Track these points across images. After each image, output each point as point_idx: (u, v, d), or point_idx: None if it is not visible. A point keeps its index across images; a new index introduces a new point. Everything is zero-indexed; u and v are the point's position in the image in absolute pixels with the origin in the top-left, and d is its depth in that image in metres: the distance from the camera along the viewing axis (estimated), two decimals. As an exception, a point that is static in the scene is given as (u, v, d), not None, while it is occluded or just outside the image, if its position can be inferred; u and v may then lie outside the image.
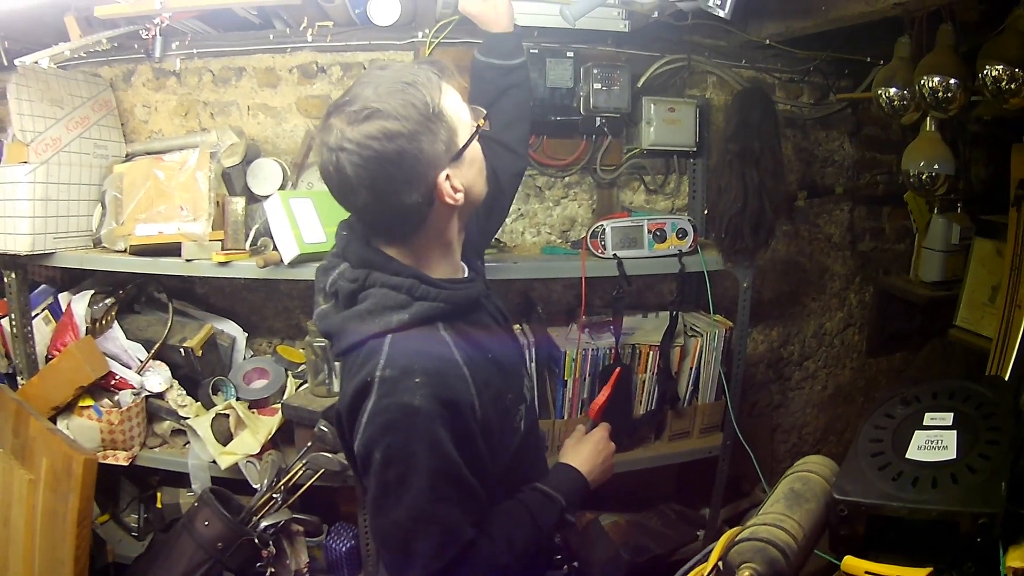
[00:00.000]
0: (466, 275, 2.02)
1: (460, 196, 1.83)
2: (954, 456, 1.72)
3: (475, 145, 1.87)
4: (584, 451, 2.27)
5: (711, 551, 1.76)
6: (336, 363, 3.04)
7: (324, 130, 1.75)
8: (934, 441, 1.79)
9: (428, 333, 1.82)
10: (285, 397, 3.28)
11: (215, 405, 3.24)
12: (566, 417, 3.32)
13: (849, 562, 1.64)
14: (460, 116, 1.83)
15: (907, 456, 1.76)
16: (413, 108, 1.72)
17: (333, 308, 1.92)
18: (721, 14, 2.69)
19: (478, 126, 1.87)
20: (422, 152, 1.74)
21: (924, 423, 1.86)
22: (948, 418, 1.85)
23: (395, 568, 1.83)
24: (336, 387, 3.06)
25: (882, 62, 3.12)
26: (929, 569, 1.55)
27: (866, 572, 1.61)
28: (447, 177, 1.78)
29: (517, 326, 3.43)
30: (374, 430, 1.71)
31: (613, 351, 3.29)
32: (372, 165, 1.69)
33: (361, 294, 1.84)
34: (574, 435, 2.39)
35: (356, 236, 1.92)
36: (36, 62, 2.89)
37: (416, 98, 1.73)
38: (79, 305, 3.23)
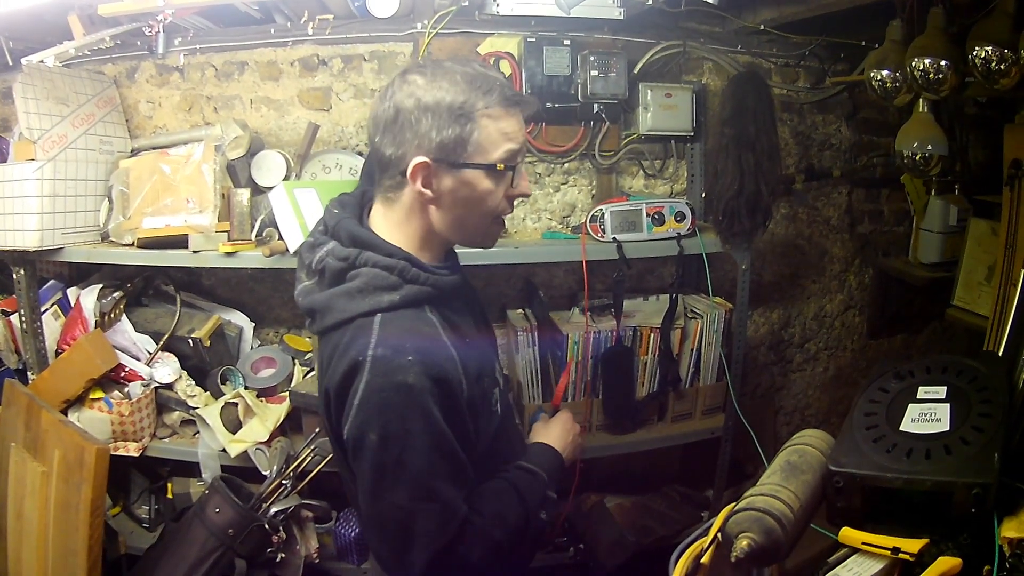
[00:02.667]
0: (447, 262, 2.06)
1: (428, 194, 1.88)
2: (947, 428, 1.75)
3: (481, 185, 1.89)
4: (554, 431, 2.34)
5: (711, 525, 1.79)
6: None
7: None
8: (928, 414, 1.82)
9: (417, 314, 1.87)
10: (293, 385, 3.32)
11: (224, 394, 3.28)
12: (569, 400, 3.35)
13: (846, 533, 1.67)
14: (487, 143, 1.86)
15: (901, 429, 1.79)
16: (445, 92, 1.82)
17: (317, 285, 1.96)
18: (711, 0, 2.73)
19: (497, 167, 1.89)
20: (418, 126, 1.82)
21: (918, 396, 1.89)
22: (941, 391, 1.88)
23: (393, 552, 1.83)
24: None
25: (877, 45, 3.14)
26: (925, 540, 1.58)
27: (863, 543, 1.64)
28: (425, 166, 1.84)
29: (519, 311, 3.48)
30: (368, 411, 1.75)
31: (614, 333, 3.32)
32: (383, 103, 1.87)
33: (351, 272, 1.88)
34: (542, 419, 2.47)
35: (348, 214, 1.98)
36: (41, 61, 2.93)
37: (455, 89, 1.82)
38: (88, 299, 3.26)
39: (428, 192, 1.87)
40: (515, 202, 2.03)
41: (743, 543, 1.59)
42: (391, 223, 1.96)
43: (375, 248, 1.89)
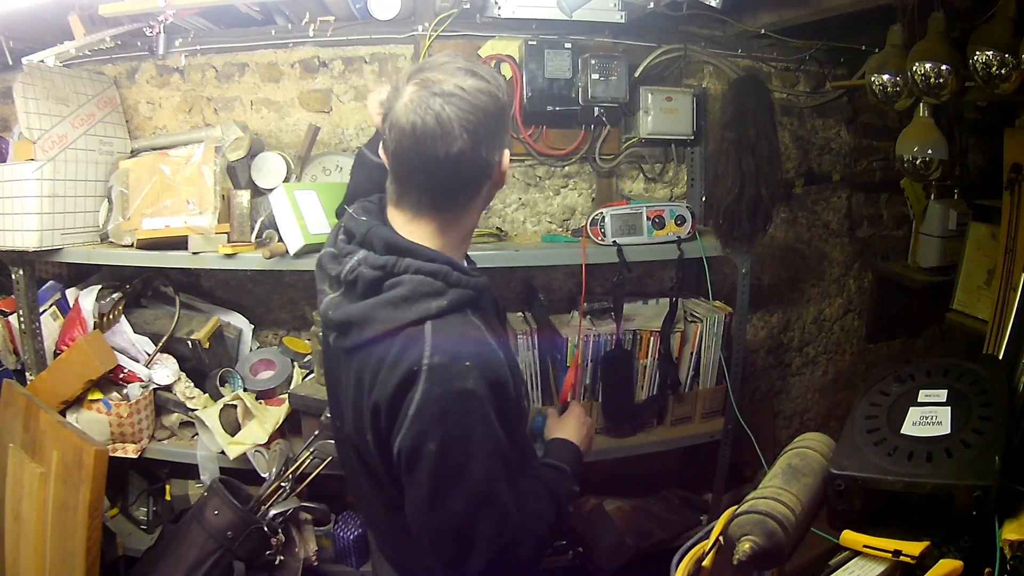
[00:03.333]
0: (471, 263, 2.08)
1: (503, 180, 1.95)
2: (948, 431, 1.75)
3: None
4: (571, 426, 2.35)
5: (712, 528, 1.80)
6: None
7: (425, 82, 1.76)
8: (928, 417, 1.82)
9: (464, 319, 1.83)
10: (292, 387, 3.32)
11: (223, 396, 3.28)
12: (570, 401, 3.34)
13: (847, 536, 1.68)
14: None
15: (902, 432, 1.79)
16: (502, 88, 1.85)
17: (345, 297, 1.89)
18: (713, 3, 2.73)
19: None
20: (504, 124, 1.88)
21: (919, 400, 1.89)
22: (942, 395, 1.89)
23: (450, 560, 1.79)
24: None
25: (877, 50, 3.14)
26: (927, 543, 1.58)
27: (864, 546, 1.64)
28: (508, 154, 1.92)
29: (519, 314, 3.49)
30: (427, 421, 1.71)
31: (614, 337, 3.32)
32: (478, 114, 1.76)
33: (390, 281, 1.81)
34: (551, 415, 2.49)
35: (377, 221, 1.92)
36: (42, 61, 2.92)
37: (503, 82, 1.87)
38: (87, 300, 3.26)
39: (504, 178, 1.96)
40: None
41: (745, 546, 1.60)
42: (433, 229, 1.91)
43: (415, 255, 1.83)
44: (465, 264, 2.01)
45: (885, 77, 2.90)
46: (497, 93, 1.81)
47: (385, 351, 1.77)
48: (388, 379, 1.75)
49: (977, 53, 2.46)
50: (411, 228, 1.89)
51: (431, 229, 1.89)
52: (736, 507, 1.73)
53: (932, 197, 3.87)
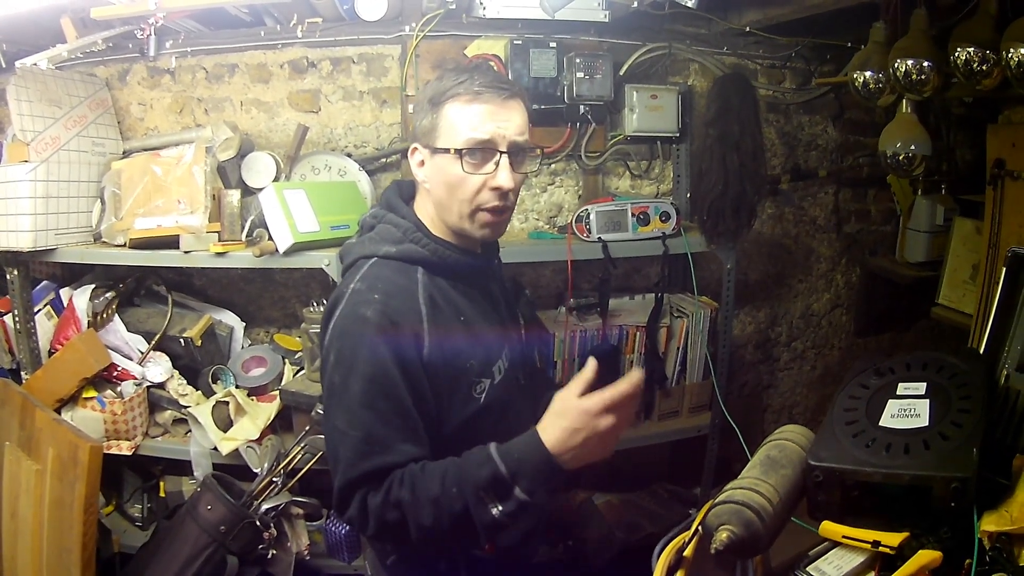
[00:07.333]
0: (463, 245, 2.15)
1: (421, 176, 2.11)
2: (927, 424, 1.77)
3: (450, 169, 2.00)
4: (560, 425, 1.84)
5: (693, 520, 1.82)
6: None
7: None
8: (907, 409, 1.84)
9: (404, 268, 2.04)
10: (283, 383, 3.34)
11: (215, 393, 3.30)
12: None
13: (827, 527, 1.70)
14: (451, 129, 2.00)
15: (880, 424, 1.81)
16: (430, 86, 2.07)
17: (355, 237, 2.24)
18: (689, 4, 2.75)
19: (460, 152, 1.99)
20: (415, 117, 2.12)
21: (897, 393, 1.91)
22: (921, 388, 1.91)
23: (331, 475, 1.93)
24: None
25: (863, 47, 3.17)
26: (906, 534, 1.60)
27: (843, 536, 1.66)
28: (414, 150, 2.11)
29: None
30: (334, 334, 1.95)
31: (601, 332, 3.35)
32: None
33: (375, 226, 2.14)
34: (570, 387, 1.88)
35: (395, 190, 2.23)
36: (35, 63, 2.95)
37: (437, 82, 2.05)
38: (80, 299, 3.28)
39: (420, 174, 2.11)
40: (510, 196, 2.06)
41: (723, 535, 1.62)
42: (416, 200, 2.18)
43: (395, 211, 2.13)
44: (455, 242, 2.13)
45: (867, 74, 2.91)
46: (423, 89, 2.15)
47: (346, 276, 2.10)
48: (332, 298, 2.03)
49: (959, 50, 2.48)
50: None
51: (418, 201, 2.18)
52: (715, 498, 1.76)
53: (919, 192, 3.89)
